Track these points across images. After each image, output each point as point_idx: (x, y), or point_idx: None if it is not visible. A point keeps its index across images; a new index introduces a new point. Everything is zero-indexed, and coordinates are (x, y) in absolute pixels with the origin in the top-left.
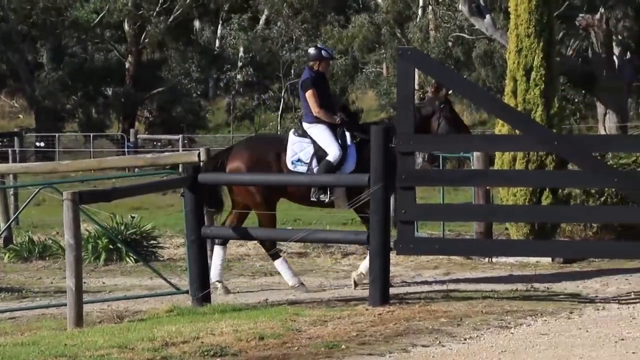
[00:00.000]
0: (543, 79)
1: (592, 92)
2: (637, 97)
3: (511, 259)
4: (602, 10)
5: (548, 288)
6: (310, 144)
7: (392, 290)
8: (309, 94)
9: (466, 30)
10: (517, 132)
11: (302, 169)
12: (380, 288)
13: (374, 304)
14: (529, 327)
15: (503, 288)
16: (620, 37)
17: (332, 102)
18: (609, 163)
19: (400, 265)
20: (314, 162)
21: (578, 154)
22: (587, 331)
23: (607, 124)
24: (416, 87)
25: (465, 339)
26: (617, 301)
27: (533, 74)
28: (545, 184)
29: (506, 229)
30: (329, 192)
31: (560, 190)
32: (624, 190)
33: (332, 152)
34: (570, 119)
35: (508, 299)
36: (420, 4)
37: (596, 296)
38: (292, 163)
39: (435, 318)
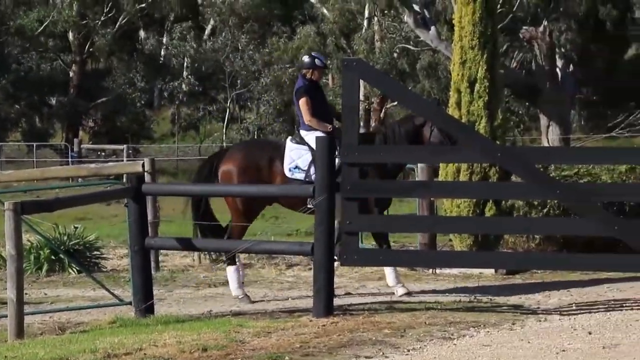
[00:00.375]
0: (487, 90)
1: (535, 104)
2: (579, 109)
3: (455, 270)
4: (545, 23)
5: (491, 299)
6: (307, 151)
7: (336, 302)
8: (302, 102)
9: (411, 42)
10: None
11: (300, 175)
12: (325, 299)
13: (317, 316)
14: (471, 339)
15: (446, 299)
16: (563, 50)
17: (328, 110)
18: (551, 175)
19: (345, 277)
20: (312, 169)
21: (521, 166)
22: (529, 342)
23: (550, 135)
24: (362, 98)
25: (408, 350)
26: (558, 312)
27: (477, 85)
28: (489, 195)
29: (450, 240)
30: None
31: (503, 202)
32: (566, 202)
33: None
34: (514, 130)
35: (451, 310)
36: (366, 15)
37: (538, 307)
38: (290, 170)
39: (378, 329)
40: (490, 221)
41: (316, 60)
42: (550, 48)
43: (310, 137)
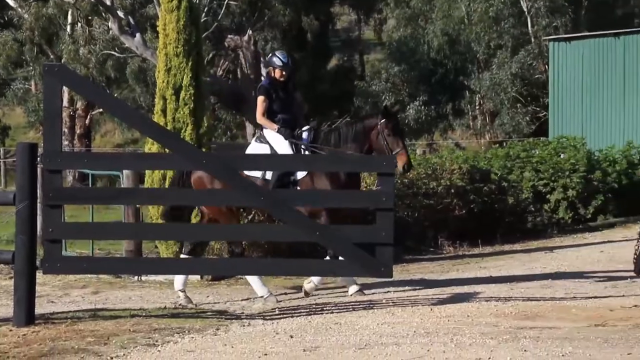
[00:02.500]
0: (192, 98)
1: (241, 112)
2: None
3: (161, 277)
4: (250, 32)
5: (196, 305)
6: (267, 150)
7: (38, 310)
8: (258, 101)
9: (117, 49)
10: (167, 150)
11: (257, 174)
12: (26, 308)
13: (19, 325)
14: (175, 345)
15: (152, 306)
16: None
17: (293, 109)
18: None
19: (48, 285)
20: None
21: (226, 172)
22: (233, 347)
23: None
24: (66, 104)
25: (111, 358)
26: (262, 317)
27: (182, 93)
28: (193, 202)
29: (156, 247)
30: None
31: None
32: (269, 209)
33: None
34: (222, 138)
35: (156, 317)
36: (69, 20)
37: (242, 313)
38: None
39: (81, 337)
40: (196, 228)
41: (274, 58)
42: (255, 57)
43: (270, 135)
